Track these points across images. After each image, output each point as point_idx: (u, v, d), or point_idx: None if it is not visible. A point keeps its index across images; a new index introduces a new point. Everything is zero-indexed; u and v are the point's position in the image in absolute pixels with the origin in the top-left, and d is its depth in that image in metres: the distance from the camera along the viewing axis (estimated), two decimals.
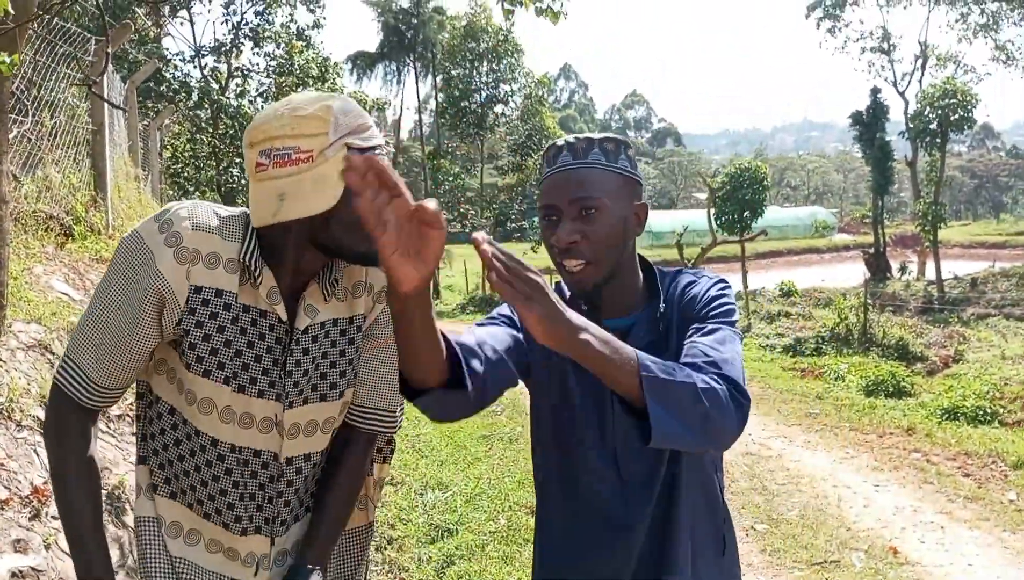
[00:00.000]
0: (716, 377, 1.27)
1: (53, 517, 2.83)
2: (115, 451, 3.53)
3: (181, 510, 1.48)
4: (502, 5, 5.14)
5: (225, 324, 1.35)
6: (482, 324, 1.54)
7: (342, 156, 1.27)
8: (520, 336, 1.52)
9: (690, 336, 1.41)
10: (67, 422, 1.38)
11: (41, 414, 3.22)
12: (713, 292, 1.48)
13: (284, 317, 1.38)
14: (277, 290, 1.37)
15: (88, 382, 1.36)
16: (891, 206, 34.31)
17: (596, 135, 1.50)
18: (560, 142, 1.50)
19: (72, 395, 1.37)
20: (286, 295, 1.39)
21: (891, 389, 8.92)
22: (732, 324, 1.43)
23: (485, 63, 28.66)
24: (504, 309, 1.57)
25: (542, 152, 1.56)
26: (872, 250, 27.15)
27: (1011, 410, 7.95)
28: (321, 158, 1.28)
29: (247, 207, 1.38)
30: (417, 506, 5.22)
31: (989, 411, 7.79)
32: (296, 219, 1.31)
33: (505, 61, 28.54)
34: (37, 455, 3.05)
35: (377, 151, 1.34)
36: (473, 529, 4.79)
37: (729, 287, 1.51)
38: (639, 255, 1.56)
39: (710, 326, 1.41)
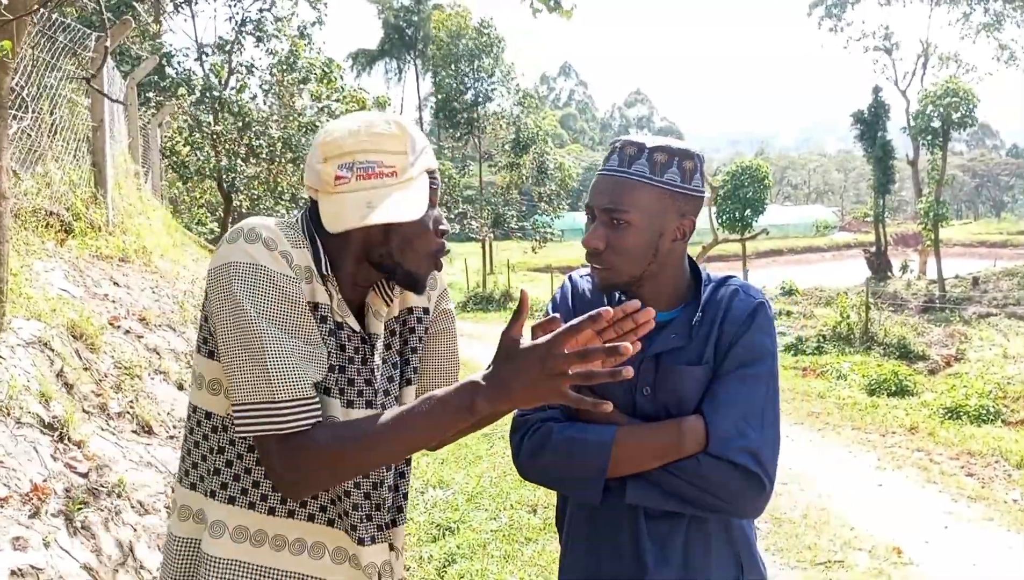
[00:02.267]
0: (741, 468, 1.40)
1: (52, 515, 2.81)
2: (114, 449, 3.50)
3: (262, 518, 1.37)
4: (531, 4, 5.19)
5: (326, 337, 1.34)
6: None
7: (425, 178, 1.35)
8: None
9: (731, 371, 1.47)
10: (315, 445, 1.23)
11: (41, 411, 3.20)
12: (758, 326, 1.50)
13: (357, 327, 1.39)
14: (343, 302, 1.38)
15: (306, 401, 1.23)
16: (892, 205, 34.35)
17: (651, 142, 1.47)
18: (619, 141, 1.50)
19: (303, 428, 1.22)
20: (352, 307, 1.40)
21: (893, 388, 8.91)
22: (774, 363, 1.49)
23: (469, 62, 28.61)
24: None
25: (611, 142, 1.56)
26: (873, 249, 27.14)
27: (1014, 409, 7.94)
28: (405, 175, 1.32)
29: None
30: (418, 504, 5.20)
31: (992, 410, 7.78)
32: (358, 232, 1.33)
33: (487, 59, 28.48)
34: (36, 452, 3.03)
35: (436, 173, 1.41)
36: (474, 528, 4.77)
37: (770, 310, 1.54)
38: (688, 257, 1.57)
39: (754, 383, 1.47)
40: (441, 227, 1.39)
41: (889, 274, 25.86)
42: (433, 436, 1.21)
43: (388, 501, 1.45)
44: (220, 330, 1.25)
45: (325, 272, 1.34)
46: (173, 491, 1.46)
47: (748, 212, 20.06)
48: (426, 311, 1.53)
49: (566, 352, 1.11)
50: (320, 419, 1.24)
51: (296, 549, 1.36)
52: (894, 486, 5.75)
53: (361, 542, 1.36)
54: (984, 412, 7.73)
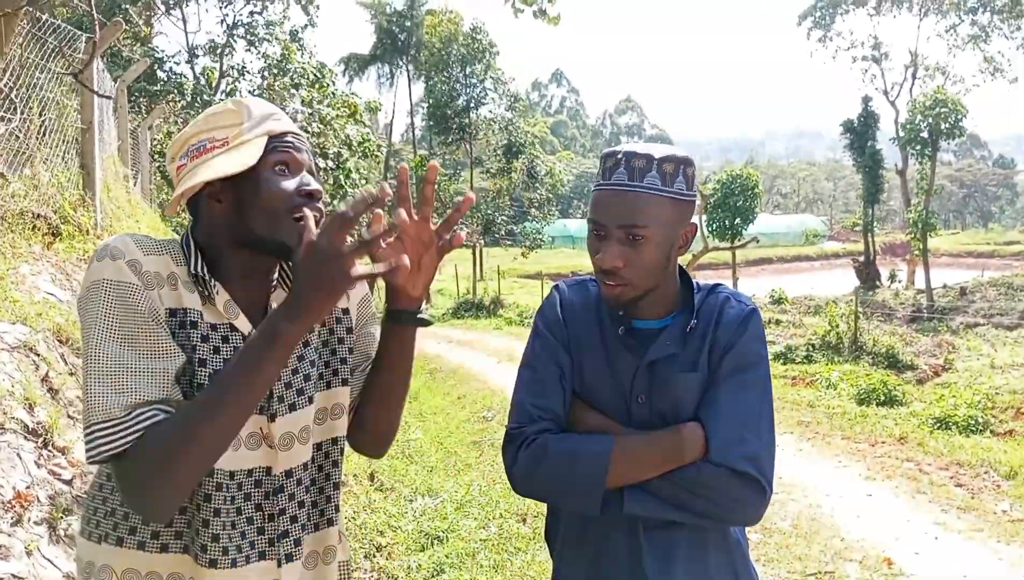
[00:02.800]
0: (742, 475, 1.39)
1: (35, 523, 2.76)
2: None
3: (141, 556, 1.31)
4: (512, 4, 5.20)
5: (197, 344, 1.28)
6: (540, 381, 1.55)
7: (261, 140, 1.30)
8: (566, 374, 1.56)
9: (726, 378, 1.47)
10: (158, 438, 1.15)
11: (25, 416, 3.15)
12: (751, 333, 1.50)
13: (247, 329, 1.33)
14: (233, 302, 1.33)
15: (124, 420, 1.15)
16: (880, 214, 34.57)
17: (657, 152, 1.45)
18: (619, 154, 1.46)
19: (144, 431, 1.15)
20: (249, 307, 1.35)
21: (882, 398, 8.93)
22: (767, 369, 1.51)
23: (461, 67, 28.67)
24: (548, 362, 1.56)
25: (601, 155, 1.53)
26: (862, 258, 27.25)
27: (1002, 420, 7.97)
28: (235, 141, 1.30)
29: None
30: (407, 513, 5.16)
31: (980, 421, 7.81)
32: (216, 218, 1.31)
33: (479, 64, 28.54)
34: (20, 459, 2.98)
35: (289, 137, 1.34)
36: (463, 537, 4.73)
37: (760, 319, 1.54)
38: (679, 265, 1.57)
39: (750, 390, 1.47)
40: (305, 188, 1.32)
41: (878, 283, 25.96)
42: (254, 381, 1.14)
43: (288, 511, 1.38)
44: (83, 357, 1.21)
45: (198, 272, 1.29)
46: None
47: (738, 221, 20.12)
48: (345, 311, 1.49)
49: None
50: (146, 429, 1.15)
51: None
52: (884, 496, 5.74)
53: (234, 563, 1.30)
54: (973, 422, 7.76)
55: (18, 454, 2.99)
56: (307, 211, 1.22)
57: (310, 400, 1.39)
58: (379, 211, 1.17)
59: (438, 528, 4.85)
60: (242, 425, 1.18)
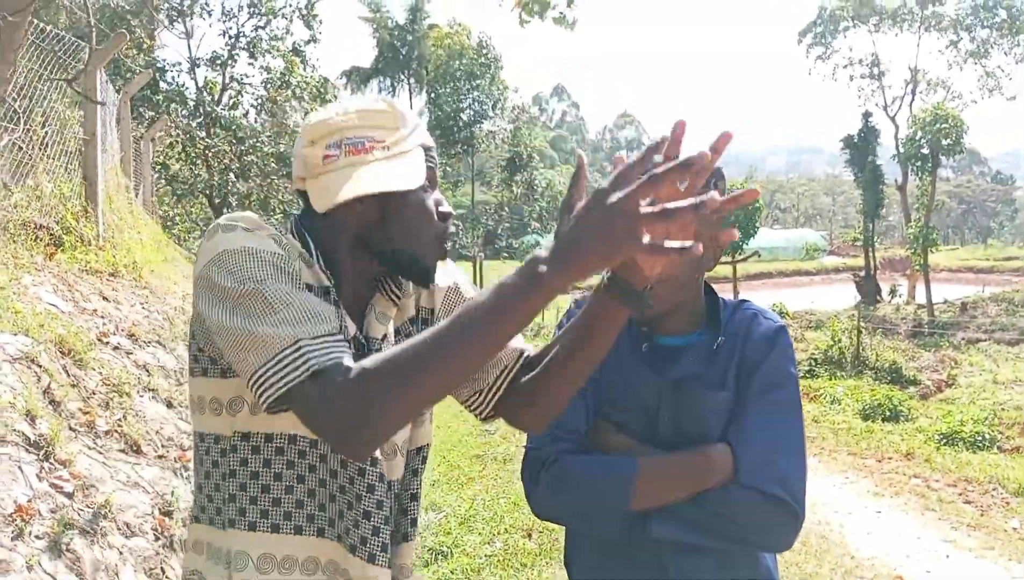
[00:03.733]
0: (773, 498, 1.33)
1: (36, 537, 2.71)
2: (102, 468, 3.40)
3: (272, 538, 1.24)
4: (519, 15, 5.20)
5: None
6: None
7: (420, 151, 1.25)
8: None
9: (755, 397, 1.41)
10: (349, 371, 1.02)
11: (26, 429, 3.10)
12: (780, 351, 1.44)
13: (353, 330, 1.26)
14: (342, 306, 1.26)
15: (336, 335, 1.06)
16: (880, 229, 34.59)
17: None
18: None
19: (337, 359, 1.03)
20: (349, 309, 1.28)
21: (888, 413, 8.88)
22: (797, 389, 1.45)
23: (467, 81, 28.79)
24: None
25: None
26: (862, 273, 27.23)
27: (1009, 436, 7.91)
28: (397, 149, 1.23)
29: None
30: None
31: (987, 437, 7.75)
32: (350, 219, 1.23)
33: (485, 78, 28.66)
34: (21, 471, 2.93)
35: (433, 151, 1.31)
36: (468, 552, 4.67)
37: (789, 336, 1.48)
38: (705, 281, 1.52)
39: (780, 410, 1.41)
40: (442, 209, 1.28)
41: (879, 298, 25.94)
42: (502, 328, 0.97)
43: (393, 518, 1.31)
44: (217, 322, 1.09)
45: (318, 261, 1.23)
46: (187, 530, 1.29)
47: (739, 234, 20.14)
48: (431, 312, 1.40)
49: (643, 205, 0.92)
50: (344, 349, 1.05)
51: (330, 573, 1.23)
52: (893, 513, 5.69)
53: (372, 559, 1.22)
54: (979, 438, 7.70)
55: (19, 467, 2.94)
56: (445, 237, 1.25)
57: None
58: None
59: (442, 543, 4.78)
60: (474, 371, 1.03)
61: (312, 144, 1.23)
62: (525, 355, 1.37)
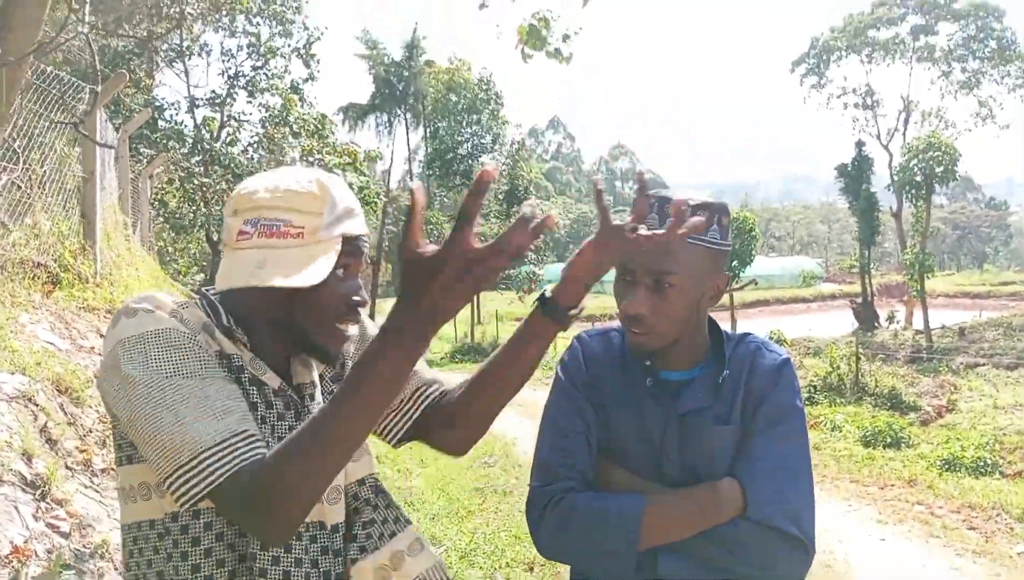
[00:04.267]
0: (783, 533, 1.32)
1: (33, 578, 2.68)
2: (98, 507, 3.38)
3: None
4: (522, 51, 5.27)
5: (248, 389, 1.23)
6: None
7: (336, 243, 1.22)
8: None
9: (761, 431, 1.40)
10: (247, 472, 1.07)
11: (23, 468, 3.09)
12: (785, 383, 1.44)
13: (276, 382, 1.27)
14: (257, 359, 1.27)
15: (241, 442, 1.09)
16: (876, 256, 34.64)
17: (693, 200, 1.39)
18: (654, 199, 1.40)
19: (239, 466, 1.07)
20: (273, 357, 1.29)
21: (889, 440, 8.84)
22: (803, 421, 1.44)
23: (467, 116, 29.02)
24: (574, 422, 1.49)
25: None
26: (859, 299, 27.26)
27: (1011, 461, 7.88)
28: (313, 238, 1.21)
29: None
30: None
31: (989, 462, 7.72)
32: (261, 297, 1.23)
33: (486, 112, 28.90)
34: (17, 512, 2.91)
35: (363, 240, 1.29)
36: None
37: (793, 368, 1.48)
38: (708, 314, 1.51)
39: (787, 442, 1.40)
40: (355, 298, 1.27)
41: (876, 325, 25.94)
42: (385, 388, 1.01)
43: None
44: (128, 416, 1.11)
45: (228, 324, 1.23)
46: None
47: (736, 263, 20.17)
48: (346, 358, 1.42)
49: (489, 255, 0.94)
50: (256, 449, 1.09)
51: None
52: (897, 541, 5.65)
53: None
54: (981, 464, 7.67)
55: (15, 507, 2.92)
56: (349, 325, 1.26)
57: None
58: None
59: None
60: (362, 437, 1.08)
61: (235, 214, 1.24)
62: (437, 384, 1.46)
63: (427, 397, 1.45)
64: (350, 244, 1.25)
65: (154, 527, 1.22)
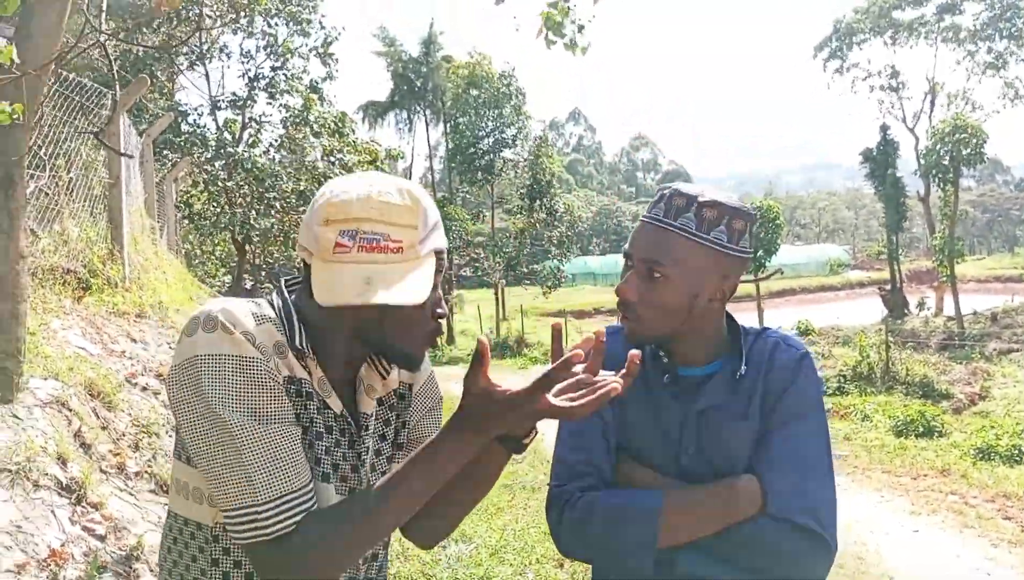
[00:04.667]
0: (804, 530, 1.31)
1: None
2: (133, 510, 3.42)
3: None
4: (546, 37, 5.32)
5: (314, 415, 1.26)
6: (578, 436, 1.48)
7: (432, 259, 1.25)
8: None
9: (781, 426, 1.39)
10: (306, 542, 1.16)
11: (58, 472, 3.13)
12: (805, 378, 1.42)
13: (339, 408, 1.29)
14: (326, 380, 1.28)
15: (291, 497, 1.16)
16: (904, 241, 34.07)
17: (703, 195, 1.38)
18: (668, 190, 1.41)
19: (291, 529, 1.15)
20: (338, 384, 1.31)
21: (921, 429, 8.73)
22: (823, 415, 1.43)
23: (488, 110, 29.00)
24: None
25: (659, 190, 1.47)
26: (888, 286, 26.95)
27: None
28: (412, 253, 1.21)
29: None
30: (441, 560, 5.07)
31: None
32: (350, 310, 1.22)
33: (508, 107, 28.87)
34: (54, 516, 2.96)
35: (443, 254, 1.31)
36: None
37: (813, 363, 1.46)
38: (726, 310, 1.49)
39: (807, 438, 1.39)
40: (439, 310, 1.30)
41: (906, 311, 25.63)
42: (431, 483, 1.18)
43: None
44: (191, 434, 1.16)
45: (301, 347, 1.23)
46: None
47: (761, 252, 20.01)
48: (410, 388, 1.45)
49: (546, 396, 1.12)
50: (308, 510, 1.17)
51: None
52: (930, 531, 5.58)
53: None
54: (1016, 452, 7.55)
55: (52, 511, 2.96)
56: (436, 335, 1.31)
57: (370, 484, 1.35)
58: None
59: (473, 575, 4.75)
60: (406, 517, 1.22)
61: (327, 224, 1.21)
62: None
63: None
64: (440, 255, 1.28)
65: (201, 530, 1.26)
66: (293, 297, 1.30)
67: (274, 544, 1.14)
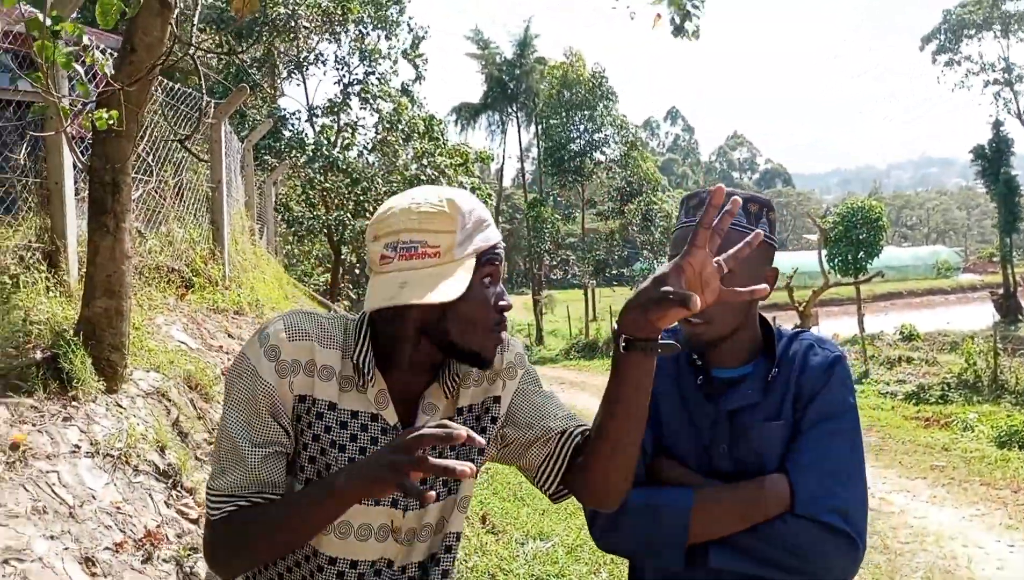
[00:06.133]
0: (832, 529, 1.33)
1: (164, 560, 2.93)
2: None
3: None
4: (672, 20, 5.43)
5: (334, 431, 1.35)
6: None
7: (471, 261, 1.29)
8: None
9: (812, 427, 1.41)
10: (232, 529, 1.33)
11: (156, 459, 3.36)
12: (837, 380, 1.44)
13: (393, 420, 1.36)
14: (386, 392, 1.36)
15: (233, 496, 1.32)
16: (1020, 243, 32.24)
17: (742, 194, 1.42)
18: (703, 194, 1.46)
19: (228, 514, 1.32)
20: (403, 397, 1.38)
21: None
22: (855, 418, 1.43)
23: (579, 111, 28.98)
24: None
25: (682, 199, 1.54)
26: (1001, 291, 25.55)
27: None
28: (448, 256, 1.28)
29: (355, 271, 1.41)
30: (518, 556, 5.15)
31: None
32: (411, 312, 1.31)
33: (599, 108, 28.77)
34: (151, 499, 3.17)
35: (497, 249, 1.34)
36: None
37: (847, 365, 1.48)
38: (759, 313, 1.53)
39: (837, 439, 1.40)
40: (502, 303, 1.34)
41: (1020, 317, 24.26)
42: (314, 516, 1.26)
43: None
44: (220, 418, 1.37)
45: (357, 363, 1.35)
46: None
47: (862, 254, 19.29)
48: (496, 400, 1.46)
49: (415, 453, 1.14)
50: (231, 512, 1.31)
51: None
52: None
53: None
54: None
55: (150, 495, 3.18)
56: (502, 329, 1.34)
57: (438, 497, 1.40)
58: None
59: (549, 572, 4.81)
60: (296, 545, 1.35)
61: (375, 240, 1.32)
62: (568, 434, 1.42)
63: (573, 438, 1.43)
64: (488, 253, 1.32)
65: None
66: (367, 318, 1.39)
67: (211, 525, 1.33)
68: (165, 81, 5.52)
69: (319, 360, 1.34)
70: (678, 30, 5.81)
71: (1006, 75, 30.49)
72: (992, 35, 30.26)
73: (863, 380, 13.24)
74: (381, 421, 1.36)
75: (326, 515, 1.25)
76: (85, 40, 2.77)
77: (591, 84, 29.26)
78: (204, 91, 3.21)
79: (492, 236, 1.34)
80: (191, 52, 3.12)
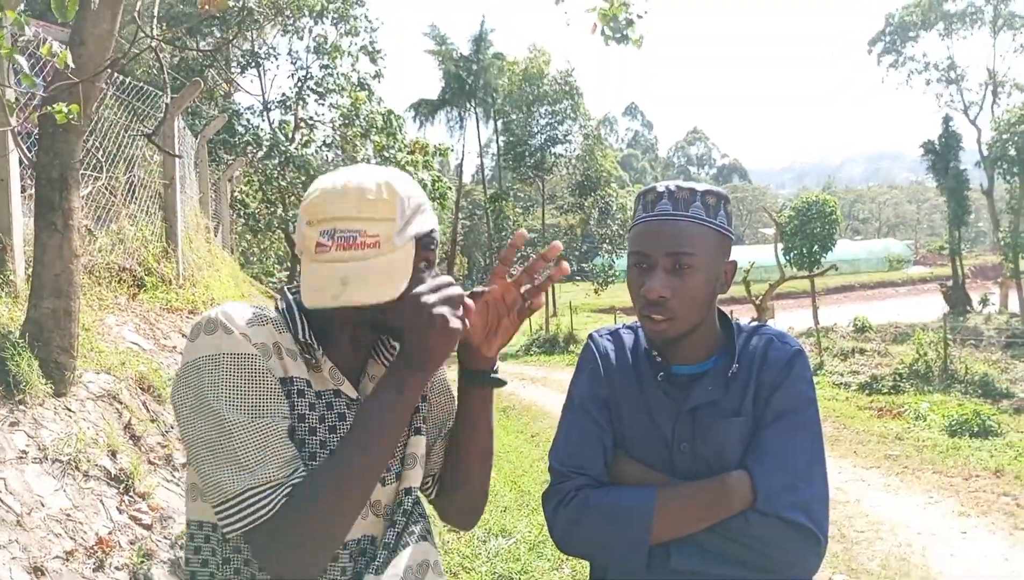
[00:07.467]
0: (794, 524, 1.33)
1: (116, 568, 2.85)
2: (179, 500, 3.56)
3: None
4: (603, 31, 5.42)
5: (305, 412, 1.28)
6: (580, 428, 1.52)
7: (411, 247, 1.28)
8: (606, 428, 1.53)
9: (772, 422, 1.41)
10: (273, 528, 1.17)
11: (108, 463, 3.27)
12: (797, 375, 1.44)
13: (353, 394, 1.33)
14: (336, 369, 1.33)
15: (285, 480, 1.18)
16: (969, 236, 32.91)
17: (699, 186, 1.45)
18: (660, 188, 1.46)
19: (287, 497, 1.17)
20: (345, 372, 1.35)
21: (976, 428, 8.48)
22: (816, 412, 1.44)
23: (542, 106, 29.04)
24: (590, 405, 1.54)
25: (638, 194, 1.53)
26: (950, 282, 26.19)
27: None
28: (388, 246, 1.24)
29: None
30: (480, 554, 5.13)
31: None
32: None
33: (564, 103, 28.85)
34: (103, 505, 3.09)
35: (433, 233, 1.33)
36: (537, 578, 4.68)
37: (807, 360, 1.48)
38: (717, 307, 1.53)
39: (798, 434, 1.41)
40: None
41: (968, 308, 24.86)
42: (389, 435, 1.23)
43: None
44: (191, 432, 1.18)
45: (306, 339, 1.28)
46: None
47: (816, 248, 19.63)
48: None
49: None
50: (288, 494, 1.18)
51: None
52: (979, 534, 5.44)
53: None
54: None
55: (101, 500, 3.10)
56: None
57: (398, 475, 1.38)
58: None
59: (512, 570, 4.80)
60: (378, 477, 1.25)
61: (309, 225, 1.26)
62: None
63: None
64: (425, 239, 1.31)
65: (216, 530, 1.28)
66: (298, 296, 1.34)
67: (271, 523, 1.15)
68: (115, 75, 5.38)
69: (283, 343, 1.28)
70: (622, 38, 5.83)
71: (949, 73, 31.19)
72: (936, 34, 30.90)
73: (818, 372, 13.45)
74: (344, 397, 1.32)
75: (400, 419, 1.24)
76: (29, 32, 2.68)
77: (558, 81, 29.31)
78: (168, 85, 3.12)
79: (429, 221, 1.32)
80: (151, 44, 3.03)
